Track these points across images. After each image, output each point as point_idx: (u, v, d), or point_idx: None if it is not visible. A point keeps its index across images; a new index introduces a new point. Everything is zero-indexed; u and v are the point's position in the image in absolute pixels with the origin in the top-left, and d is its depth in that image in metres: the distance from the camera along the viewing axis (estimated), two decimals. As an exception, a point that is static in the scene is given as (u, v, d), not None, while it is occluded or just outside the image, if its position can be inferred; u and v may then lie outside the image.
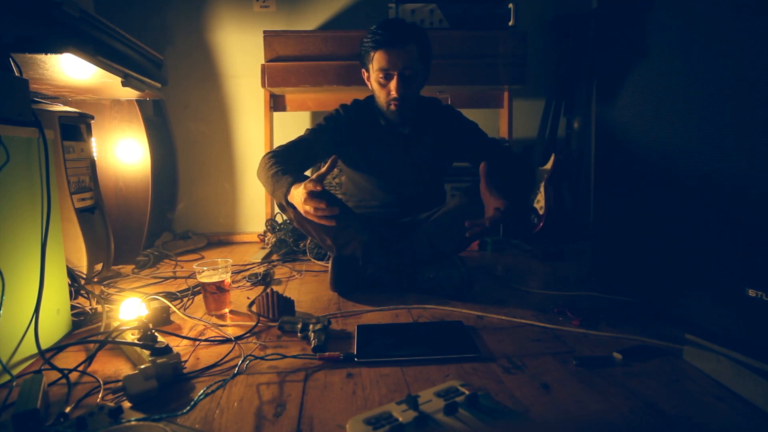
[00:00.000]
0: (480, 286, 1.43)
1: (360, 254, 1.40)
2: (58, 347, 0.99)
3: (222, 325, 1.14)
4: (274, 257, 1.90)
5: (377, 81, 1.45)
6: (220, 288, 1.20)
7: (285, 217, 2.12)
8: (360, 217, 1.48)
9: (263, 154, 2.27)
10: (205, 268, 1.20)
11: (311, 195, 1.18)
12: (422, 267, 1.38)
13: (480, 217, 1.26)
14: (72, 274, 1.27)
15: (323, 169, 1.22)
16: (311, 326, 1.03)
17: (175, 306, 1.21)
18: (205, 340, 1.04)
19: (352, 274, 1.39)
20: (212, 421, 0.72)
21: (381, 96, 1.46)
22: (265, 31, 2.02)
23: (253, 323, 1.12)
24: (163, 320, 1.14)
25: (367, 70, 1.49)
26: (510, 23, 2.06)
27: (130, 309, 1.12)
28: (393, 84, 1.41)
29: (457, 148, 1.56)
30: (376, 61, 1.42)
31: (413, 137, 1.54)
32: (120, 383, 0.77)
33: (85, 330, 1.13)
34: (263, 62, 2.02)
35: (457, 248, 1.47)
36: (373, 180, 1.58)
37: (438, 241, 1.41)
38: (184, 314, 1.20)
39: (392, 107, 1.44)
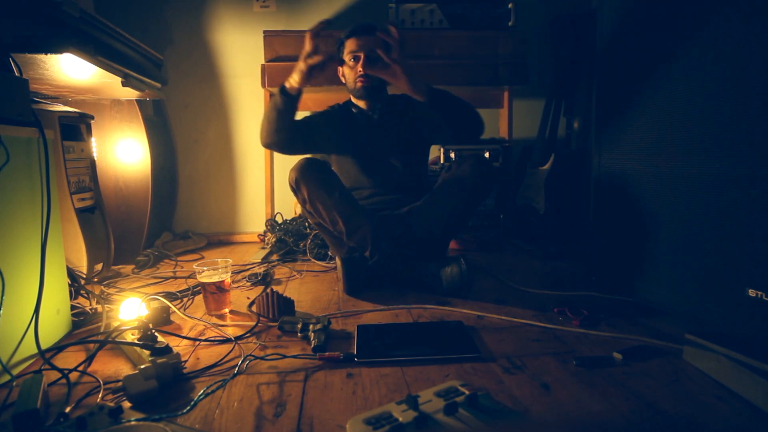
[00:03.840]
0: (480, 286, 1.44)
1: (370, 239, 1.43)
2: (58, 347, 0.99)
3: (222, 325, 1.14)
4: (274, 257, 1.90)
5: (348, 65, 1.61)
6: (220, 288, 1.20)
7: (285, 217, 2.13)
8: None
9: (263, 154, 2.27)
10: (205, 268, 1.20)
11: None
12: (426, 262, 1.39)
13: (466, 187, 1.45)
14: (72, 274, 1.27)
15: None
16: (311, 326, 1.03)
17: (175, 306, 1.21)
18: (205, 340, 1.04)
19: (360, 272, 1.41)
20: (212, 421, 0.72)
21: (350, 78, 1.61)
22: (265, 31, 2.02)
23: (253, 323, 1.12)
24: (163, 320, 1.14)
25: (342, 64, 1.64)
26: (510, 23, 2.06)
27: (130, 309, 1.12)
28: (360, 64, 1.57)
29: (422, 121, 1.65)
30: (347, 47, 1.59)
31: (383, 120, 1.67)
32: (120, 383, 0.78)
33: (85, 330, 1.13)
34: (263, 62, 2.02)
35: (446, 229, 1.50)
36: (358, 165, 1.66)
37: (427, 222, 1.48)
38: (184, 314, 1.20)
39: (359, 84, 1.59)
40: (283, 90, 1.45)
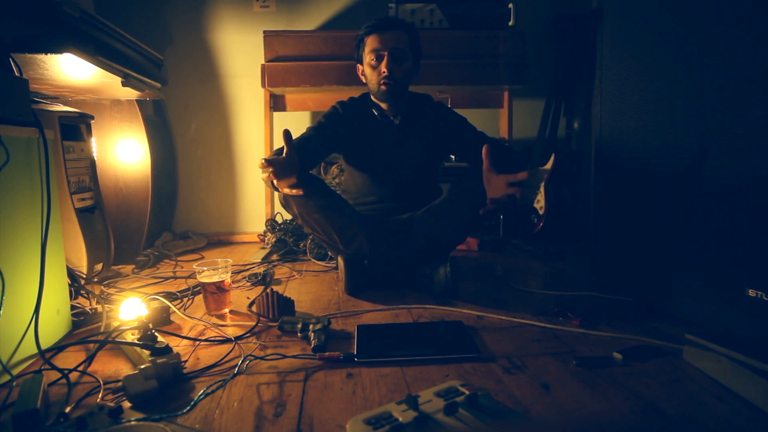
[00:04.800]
0: (480, 286, 1.43)
1: (367, 249, 1.41)
2: (58, 347, 0.99)
3: (222, 325, 1.14)
4: (274, 257, 1.90)
5: (369, 64, 1.50)
6: (220, 288, 1.20)
7: (285, 217, 2.13)
8: (363, 214, 1.51)
9: (263, 154, 2.28)
10: (205, 268, 1.20)
11: (267, 162, 1.15)
12: (422, 263, 1.39)
13: (476, 200, 1.34)
14: (72, 274, 1.27)
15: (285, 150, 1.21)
16: (311, 326, 1.03)
17: (175, 306, 1.21)
18: (205, 340, 1.04)
19: (362, 273, 1.40)
20: (212, 421, 0.72)
21: (373, 79, 1.50)
22: (265, 31, 2.02)
23: (253, 323, 1.12)
24: (163, 320, 1.14)
25: (361, 62, 1.55)
26: (510, 23, 2.06)
27: (130, 309, 1.12)
28: (384, 63, 1.47)
29: (446, 140, 1.59)
30: (369, 45, 1.49)
31: (404, 128, 1.58)
32: (120, 383, 0.77)
33: (85, 330, 1.13)
34: (263, 62, 2.02)
35: (452, 238, 1.48)
36: (370, 172, 1.61)
37: (432, 232, 1.43)
38: (184, 314, 1.20)
39: (383, 87, 1.48)
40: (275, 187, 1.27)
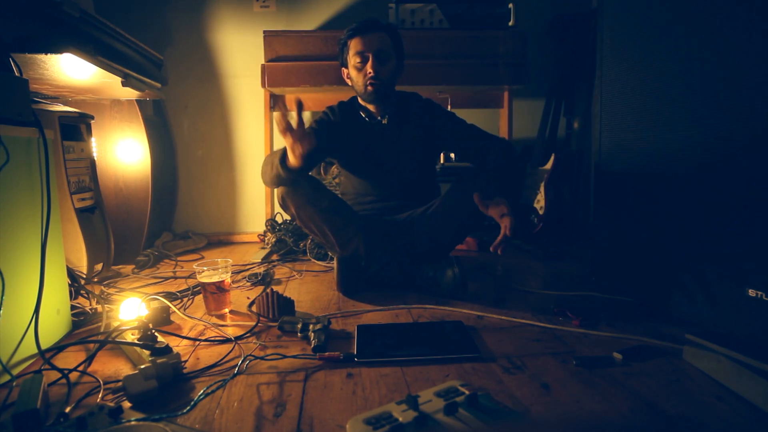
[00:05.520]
0: (480, 286, 1.43)
1: (363, 251, 1.41)
2: (58, 347, 0.99)
3: (222, 325, 1.14)
4: (274, 257, 1.90)
5: (354, 67, 1.51)
6: (220, 288, 1.20)
7: (285, 217, 2.13)
8: (360, 215, 1.52)
9: (263, 154, 2.28)
10: (205, 268, 1.20)
11: (287, 129, 1.18)
12: (422, 265, 1.38)
13: (471, 205, 1.35)
14: (72, 274, 1.27)
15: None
16: (311, 326, 1.03)
17: (175, 306, 1.21)
18: (205, 340, 1.04)
19: (357, 274, 1.40)
20: (212, 421, 0.72)
21: (359, 81, 1.52)
22: (265, 31, 2.02)
23: (253, 323, 1.12)
24: (163, 320, 1.14)
25: (346, 65, 1.56)
26: (510, 23, 2.06)
27: (130, 309, 1.12)
28: (369, 65, 1.48)
29: (437, 135, 1.59)
30: (353, 48, 1.50)
31: (392, 127, 1.58)
32: (120, 383, 0.78)
33: (85, 330, 1.13)
34: (263, 62, 2.02)
35: (453, 239, 1.48)
36: (365, 174, 1.62)
37: (434, 232, 1.44)
38: (184, 314, 1.20)
39: (369, 88, 1.50)
40: (284, 165, 1.31)
